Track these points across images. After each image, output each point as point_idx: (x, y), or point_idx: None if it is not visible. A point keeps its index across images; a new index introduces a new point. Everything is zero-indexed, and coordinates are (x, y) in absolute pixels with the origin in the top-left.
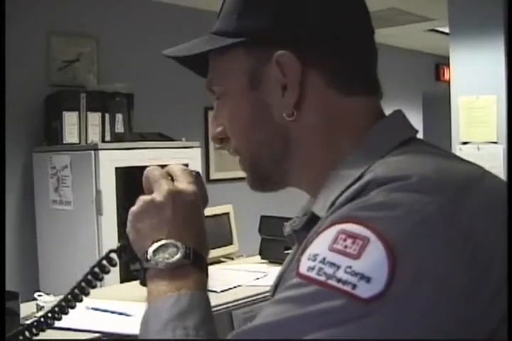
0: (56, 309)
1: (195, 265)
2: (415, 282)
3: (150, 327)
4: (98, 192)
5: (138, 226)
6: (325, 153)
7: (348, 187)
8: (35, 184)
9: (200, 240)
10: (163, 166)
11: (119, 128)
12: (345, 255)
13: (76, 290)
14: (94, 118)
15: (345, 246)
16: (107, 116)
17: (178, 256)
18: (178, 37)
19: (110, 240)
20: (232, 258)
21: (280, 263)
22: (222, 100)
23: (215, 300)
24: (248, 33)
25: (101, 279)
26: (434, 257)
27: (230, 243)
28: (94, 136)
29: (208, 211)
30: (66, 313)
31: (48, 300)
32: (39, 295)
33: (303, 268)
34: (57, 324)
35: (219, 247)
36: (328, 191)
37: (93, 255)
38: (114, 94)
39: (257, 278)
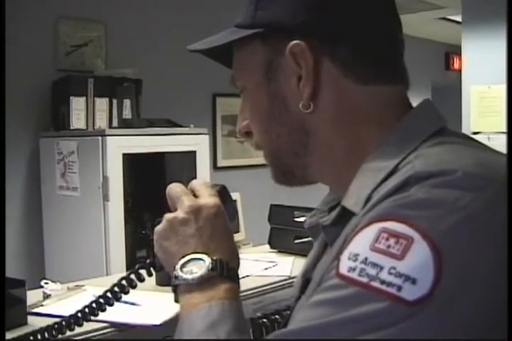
0: (87, 310)
1: (223, 276)
2: (461, 283)
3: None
4: (105, 179)
5: (164, 245)
6: (346, 145)
7: (382, 181)
8: (41, 170)
9: (227, 250)
10: (171, 152)
11: (127, 114)
12: (389, 255)
13: (101, 299)
14: (101, 103)
15: (388, 246)
16: (114, 101)
17: (204, 269)
18: (187, 23)
19: (117, 226)
20: (239, 247)
21: (290, 253)
22: (244, 94)
23: None
24: (264, 24)
25: (127, 292)
26: (480, 256)
27: (237, 231)
28: (101, 121)
29: None
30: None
31: (54, 288)
32: (45, 283)
33: (343, 269)
34: (64, 313)
35: None
36: (360, 184)
37: (100, 241)
38: (122, 80)
39: (267, 268)
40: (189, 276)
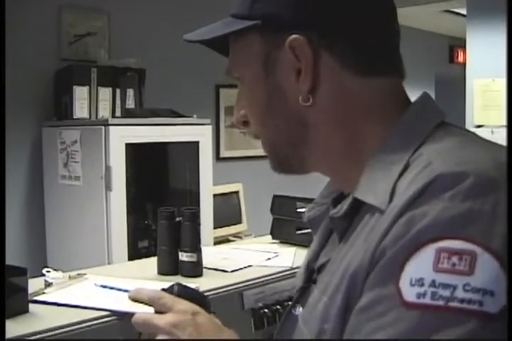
0: None
1: None
2: None
3: None
4: (107, 168)
5: None
6: (346, 138)
7: (400, 176)
8: (44, 159)
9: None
10: (174, 143)
11: (130, 103)
12: (457, 273)
13: None
14: (104, 93)
15: (453, 264)
16: (117, 91)
17: None
18: (190, 12)
19: (119, 216)
20: (241, 237)
21: (292, 244)
22: (241, 85)
23: (225, 280)
24: (262, 16)
25: None
26: None
27: (239, 222)
28: (104, 111)
29: (218, 189)
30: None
31: (56, 276)
32: (47, 271)
33: (409, 296)
34: (65, 301)
35: (227, 226)
36: (372, 178)
37: (102, 231)
38: (125, 70)
39: (269, 259)
40: None
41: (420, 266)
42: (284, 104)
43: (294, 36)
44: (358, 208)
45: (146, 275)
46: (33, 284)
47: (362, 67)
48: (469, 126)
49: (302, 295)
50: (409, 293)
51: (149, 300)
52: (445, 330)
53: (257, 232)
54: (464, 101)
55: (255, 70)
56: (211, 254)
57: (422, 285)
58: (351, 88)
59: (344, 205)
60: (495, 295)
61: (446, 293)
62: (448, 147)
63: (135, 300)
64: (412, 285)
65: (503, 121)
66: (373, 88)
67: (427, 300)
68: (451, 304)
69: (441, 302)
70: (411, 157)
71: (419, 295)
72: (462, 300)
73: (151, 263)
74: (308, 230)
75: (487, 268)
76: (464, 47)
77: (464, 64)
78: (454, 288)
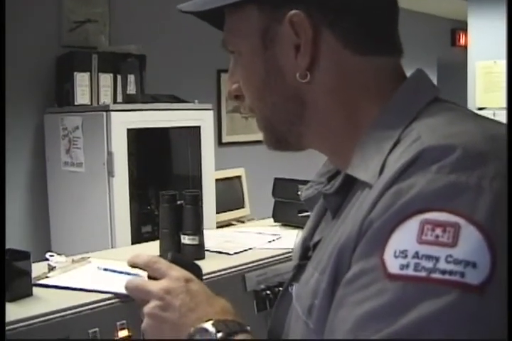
0: None
1: (231, 333)
2: (506, 260)
3: None
4: (110, 154)
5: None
6: (344, 115)
7: (390, 151)
8: (46, 146)
9: (218, 309)
10: (176, 128)
11: (131, 89)
12: (441, 245)
13: None
14: (105, 79)
15: (437, 236)
16: (118, 77)
17: (213, 335)
18: None
19: (122, 202)
20: (244, 222)
21: (293, 226)
22: (237, 59)
23: (228, 262)
24: None
25: None
26: None
27: (242, 206)
28: (105, 97)
29: (220, 174)
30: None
31: (59, 260)
32: (51, 255)
33: (393, 268)
34: (68, 284)
35: (230, 210)
36: (365, 154)
37: (105, 217)
38: (126, 56)
39: (270, 241)
40: None
41: (404, 238)
42: (282, 80)
43: (294, 11)
44: (351, 185)
45: None
46: (37, 268)
47: (362, 45)
48: (471, 109)
49: (298, 273)
50: (393, 265)
51: (145, 264)
52: (427, 301)
53: (259, 217)
54: (466, 84)
55: (253, 44)
56: (213, 237)
57: (406, 256)
58: (350, 66)
59: (336, 182)
60: (477, 266)
61: (429, 264)
62: (439, 122)
63: (133, 265)
64: (395, 256)
65: (505, 102)
66: (372, 67)
67: (410, 272)
68: (433, 275)
69: (423, 274)
70: (402, 133)
71: (402, 267)
72: (444, 272)
73: (154, 246)
74: (310, 213)
75: (470, 241)
76: (465, 30)
77: (466, 47)
78: (437, 259)
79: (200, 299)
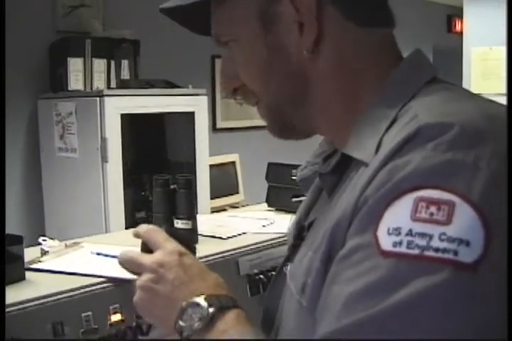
0: None
1: (223, 307)
2: (505, 239)
3: None
4: (103, 140)
5: (153, 312)
6: (346, 92)
7: (387, 130)
8: (40, 131)
9: (210, 283)
10: (170, 113)
11: (125, 74)
12: (434, 222)
13: None
14: (99, 64)
15: (431, 214)
16: (112, 62)
17: (204, 311)
18: None
19: (115, 187)
20: (238, 207)
21: (287, 211)
22: (232, 49)
23: (221, 246)
24: None
25: None
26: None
27: (236, 192)
28: (99, 82)
29: (214, 160)
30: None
31: (52, 245)
32: (43, 240)
33: (386, 245)
34: (61, 269)
35: (225, 196)
36: (362, 133)
37: (99, 203)
38: (119, 41)
39: (264, 226)
40: (195, 324)
41: (398, 215)
42: (286, 61)
43: None
44: (347, 164)
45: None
46: (30, 253)
47: (364, 17)
48: None
49: (292, 253)
50: (386, 242)
51: (145, 231)
52: (419, 279)
53: (254, 202)
54: (462, 71)
55: (252, 29)
56: (207, 222)
57: (399, 234)
58: (355, 37)
59: (332, 161)
60: (470, 245)
61: (423, 242)
62: (437, 101)
63: (136, 235)
64: (389, 233)
65: (501, 89)
66: (376, 38)
67: (403, 249)
68: (426, 253)
69: (416, 251)
70: (399, 111)
71: (395, 244)
72: (437, 249)
73: None
74: (304, 197)
75: (464, 219)
76: (461, 17)
77: (462, 33)
78: (430, 237)
79: (194, 273)
